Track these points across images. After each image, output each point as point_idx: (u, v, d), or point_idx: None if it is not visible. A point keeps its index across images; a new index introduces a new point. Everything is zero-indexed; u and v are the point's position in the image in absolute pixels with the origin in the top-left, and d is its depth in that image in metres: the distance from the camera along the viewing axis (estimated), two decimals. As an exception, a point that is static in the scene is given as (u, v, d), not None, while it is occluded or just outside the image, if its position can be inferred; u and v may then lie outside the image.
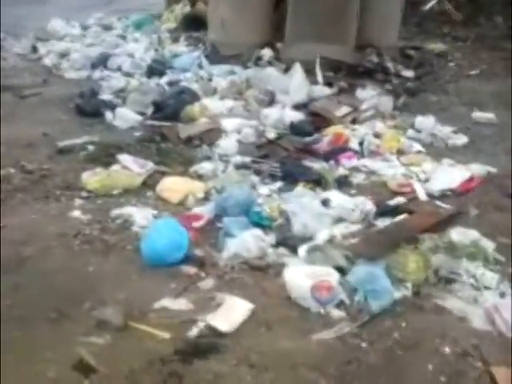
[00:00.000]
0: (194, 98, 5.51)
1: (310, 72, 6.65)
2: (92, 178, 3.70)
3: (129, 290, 2.61)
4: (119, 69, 7.15)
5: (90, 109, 5.31)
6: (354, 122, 5.33)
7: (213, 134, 4.57)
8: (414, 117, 5.23)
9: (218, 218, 3.25)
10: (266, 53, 7.49)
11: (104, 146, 4.33)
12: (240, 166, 3.99)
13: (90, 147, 4.41)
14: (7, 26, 9.01)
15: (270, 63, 7.25)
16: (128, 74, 7.01)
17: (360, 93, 6.49)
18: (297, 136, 4.75)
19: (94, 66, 7.15)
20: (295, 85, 5.90)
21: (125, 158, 3.99)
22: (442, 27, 10.54)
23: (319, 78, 6.70)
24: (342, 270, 2.60)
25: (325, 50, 7.01)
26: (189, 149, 4.43)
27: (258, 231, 2.98)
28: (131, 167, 3.87)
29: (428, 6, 11.06)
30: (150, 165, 3.91)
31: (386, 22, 7.93)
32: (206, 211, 3.28)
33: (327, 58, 7.03)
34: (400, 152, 4.44)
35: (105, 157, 4.15)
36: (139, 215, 3.24)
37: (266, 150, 4.38)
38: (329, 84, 6.59)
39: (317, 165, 4.14)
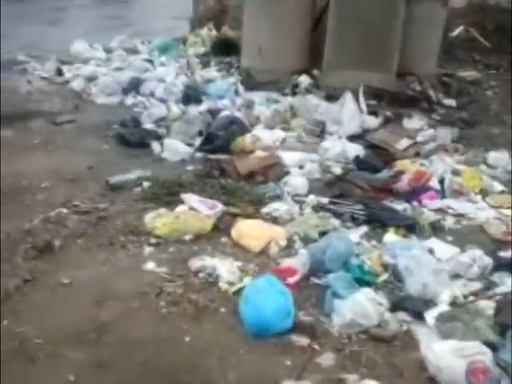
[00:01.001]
0: (243, 128, 5.14)
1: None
2: (158, 221, 3.30)
3: (239, 367, 2.19)
4: (152, 94, 6.81)
5: (135, 139, 4.92)
6: (417, 155, 4.98)
7: (275, 170, 4.19)
8: (482, 151, 4.88)
9: (312, 271, 2.85)
10: (304, 80, 7.16)
11: (161, 183, 3.93)
12: (317, 208, 3.59)
13: (145, 183, 4.01)
14: (27, 49, 8.70)
15: (308, 91, 6.93)
16: (162, 100, 6.66)
17: (407, 123, 6.16)
18: (364, 171, 4.37)
19: (125, 92, 6.78)
20: (348, 115, 5.56)
21: (190, 198, 3.58)
22: (471, 54, 10.32)
23: (363, 106, 6.35)
24: (491, 345, 2.19)
25: (366, 77, 6.69)
26: (251, 186, 4.03)
27: (370, 292, 2.58)
28: (199, 208, 3.47)
29: (456, 33, 10.87)
30: (220, 206, 3.51)
31: (426, 50, 7.65)
32: (298, 264, 2.87)
33: (369, 85, 6.71)
34: (483, 191, 4.07)
35: (165, 195, 3.75)
36: (223, 268, 2.84)
37: (337, 188, 4.00)
38: (373, 113, 6.25)
39: (399, 206, 3.76)
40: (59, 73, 7.75)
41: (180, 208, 3.52)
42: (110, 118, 5.79)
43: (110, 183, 3.99)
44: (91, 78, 7.37)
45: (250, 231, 3.24)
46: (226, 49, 8.30)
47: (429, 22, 7.50)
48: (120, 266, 2.93)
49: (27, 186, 3.96)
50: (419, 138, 5.39)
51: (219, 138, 4.91)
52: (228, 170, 4.19)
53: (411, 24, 7.01)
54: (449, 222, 3.63)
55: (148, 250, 3.12)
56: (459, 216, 3.72)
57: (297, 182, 3.93)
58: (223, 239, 3.28)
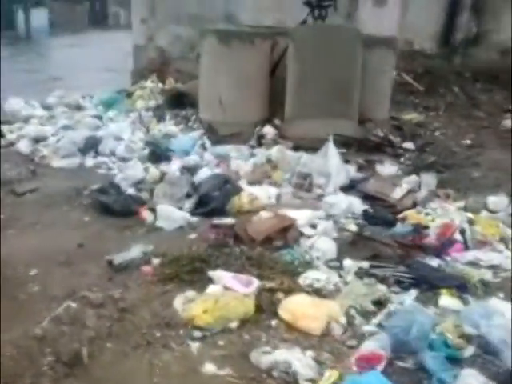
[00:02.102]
0: (236, 187, 4.82)
1: (318, 149, 6.26)
2: (195, 308, 2.85)
3: None
4: (113, 154, 6.33)
5: (119, 207, 4.41)
6: (414, 205, 4.89)
7: (292, 232, 3.88)
8: (478, 196, 4.89)
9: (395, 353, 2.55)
10: (268, 131, 7.02)
11: (174, 259, 3.47)
12: (360, 274, 3.32)
13: (154, 260, 3.53)
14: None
15: (275, 141, 6.78)
16: (124, 160, 6.19)
17: (381, 169, 6.16)
18: (376, 226, 4.18)
19: (82, 152, 6.24)
20: (335, 167, 5.41)
21: (221, 275, 3.17)
22: (408, 97, 10.78)
23: (332, 155, 6.25)
24: None
25: (330, 125, 6.63)
26: (271, 252, 3.68)
27: (475, 373, 2.31)
28: (234, 287, 3.07)
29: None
30: (255, 281, 3.13)
31: (380, 96, 7.82)
32: (379, 347, 2.55)
33: (336, 134, 6.67)
34: (503, 239, 4.01)
35: (185, 274, 3.30)
36: (298, 363, 2.45)
37: (362, 247, 3.76)
38: (346, 161, 6.19)
39: (432, 262, 3.58)
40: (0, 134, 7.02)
41: (212, 288, 3.10)
42: (75, 183, 5.23)
43: (113, 264, 3.47)
44: (38, 139, 6.75)
45: (302, 310, 2.88)
46: (180, 102, 7.98)
47: (381, 68, 7.69)
48: (174, 373, 2.45)
49: (14, 277, 3.34)
50: (404, 185, 5.33)
51: (214, 200, 4.55)
52: (242, 236, 3.81)
53: (364, 71, 7.13)
54: (487, 275, 3.50)
55: (195, 346, 2.66)
56: (493, 268, 3.61)
57: (325, 245, 3.63)
58: (273, 322, 2.89)
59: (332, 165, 5.39)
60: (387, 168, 6.25)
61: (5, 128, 7.14)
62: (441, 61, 11.52)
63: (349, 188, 5.21)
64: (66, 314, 2.89)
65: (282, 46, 7.29)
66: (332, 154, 5.53)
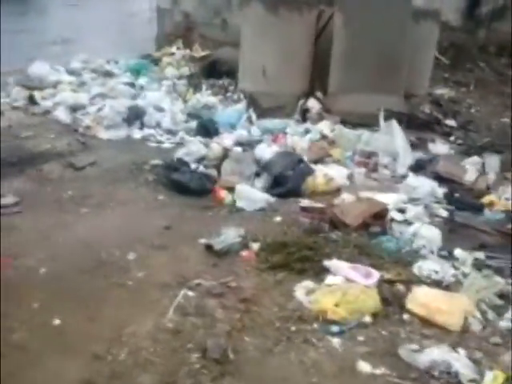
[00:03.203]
0: (309, 167, 4.64)
1: (369, 126, 6.10)
2: (324, 301, 2.72)
3: None
4: (158, 125, 6.08)
5: (195, 186, 4.22)
6: (488, 188, 4.79)
7: (386, 217, 3.74)
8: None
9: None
10: (313, 104, 6.80)
11: (275, 245, 3.31)
12: (478, 265, 3.21)
13: (253, 245, 3.38)
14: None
15: (320, 116, 6.58)
16: (170, 132, 5.97)
17: (433, 148, 6.05)
18: (464, 212, 4.07)
19: (127, 123, 5.97)
20: (402, 146, 5.26)
21: (339, 266, 3.03)
22: (435, 72, 10.59)
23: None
24: None
25: (378, 100, 6.45)
26: (370, 239, 3.55)
27: None
28: (355, 279, 2.93)
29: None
30: (375, 273, 3.00)
31: (423, 71, 7.64)
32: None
33: (386, 109, 6.48)
34: None
35: (294, 262, 3.15)
36: (458, 363, 2.34)
37: (464, 235, 3.65)
38: (397, 139, 6.03)
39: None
40: (32, 101, 6.68)
41: (331, 279, 2.96)
42: (131, 157, 5.02)
43: (214, 249, 3.30)
44: (76, 107, 6.44)
45: (436, 304, 2.77)
46: (215, 70, 7.68)
47: (426, 42, 7.49)
48: (328, 372, 2.33)
49: (112, 261, 3.16)
50: (467, 167, 5.22)
51: (289, 180, 4.38)
52: (336, 221, 3.66)
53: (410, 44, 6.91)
54: None
55: (336, 341, 2.54)
56: None
57: (429, 232, 3.50)
58: (404, 316, 2.78)
59: (399, 144, 5.23)
60: (439, 147, 6.14)
61: (36, 94, 6.79)
62: (465, 34, 11.28)
63: (416, 168, 5.08)
64: (188, 304, 2.73)
65: (326, 16, 7.03)
66: (397, 132, 5.36)
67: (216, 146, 5.02)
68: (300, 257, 3.17)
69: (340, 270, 3.01)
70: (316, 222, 3.63)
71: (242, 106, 6.59)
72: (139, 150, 5.31)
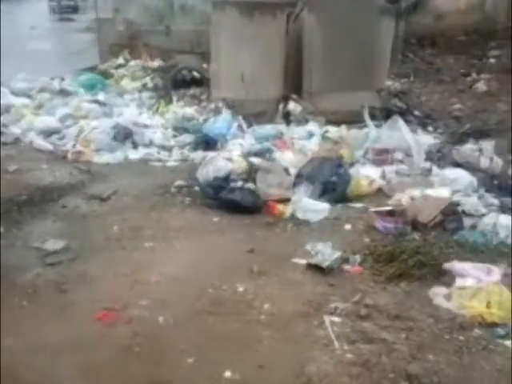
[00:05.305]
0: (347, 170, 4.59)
1: (355, 123, 6.23)
2: (476, 305, 2.69)
3: None
4: (151, 143, 5.70)
5: (250, 203, 3.99)
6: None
7: (457, 212, 3.80)
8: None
9: None
10: (294, 107, 6.78)
11: (384, 255, 3.22)
12: None
13: (356, 258, 3.26)
14: None
15: (304, 118, 6.58)
16: (165, 148, 5.63)
17: (418, 138, 6.26)
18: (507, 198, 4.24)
19: (118, 143, 5.52)
20: (413, 139, 5.38)
21: (459, 266, 3.02)
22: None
23: (371, 128, 6.24)
24: None
25: (356, 97, 6.60)
26: (449, 235, 3.58)
27: None
28: (482, 277, 2.94)
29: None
30: (495, 269, 3.02)
31: (383, 65, 7.90)
32: None
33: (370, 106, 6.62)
34: None
35: (412, 269, 3.08)
36: None
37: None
38: (385, 133, 6.19)
39: None
40: (-7, 129, 5.95)
41: (461, 281, 2.93)
42: (147, 180, 4.69)
43: (322, 267, 3.13)
44: (47, 132, 5.84)
45: None
46: (183, 80, 7.37)
47: (385, 37, 7.73)
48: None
49: (224, 296, 2.88)
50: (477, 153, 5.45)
51: (336, 185, 4.30)
52: (414, 222, 3.65)
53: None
54: None
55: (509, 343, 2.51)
56: None
57: (509, 222, 3.59)
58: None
59: (409, 139, 5.34)
60: (423, 137, 6.34)
61: (-7, 121, 6.07)
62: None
63: (429, 159, 5.22)
64: (344, 330, 2.56)
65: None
66: (404, 127, 5.47)
67: (241, 160, 4.79)
68: (414, 264, 3.10)
69: (464, 270, 3.00)
70: (401, 225, 3.59)
71: (227, 115, 6.36)
72: (150, 172, 4.96)
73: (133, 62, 8.48)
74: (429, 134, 6.55)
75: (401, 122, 5.56)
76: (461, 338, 2.54)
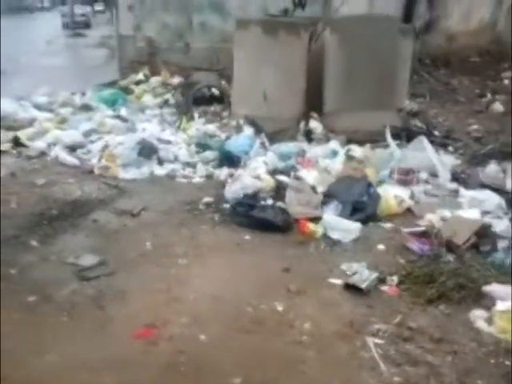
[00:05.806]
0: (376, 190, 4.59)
1: (376, 142, 6.24)
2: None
3: None
4: (176, 159, 5.72)
5: (282, 222, 3.98)
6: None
7: (490, 234, 3.78)
8: None
9: None
10: (315, 126, 6.81)
11: (423, 276, 3.20)
12: None
13: (391, 279, 3.24)
14: None
15: (326, 137, 6.61)
16: (189, 165, 5.64)
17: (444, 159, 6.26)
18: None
19: (145, 159, 5.54)
20: (438, 160, 5.39)
21: (498, 289, 3.00)
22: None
23: (394, 147, 6.24)
24: None
25: (380, 117, 6.62)
26: (482, 257, 3.56)
27: None
28: (522, 301, 2.91)
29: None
30: (535, 292, 3.00)
31: (403, 85, 7.94)
32: None
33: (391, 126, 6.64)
34: None
35: (451, 291, 3.06)
36: None
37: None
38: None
39: None
40: (17, 142, 6.00)
41: (501, 305, 2.91)
42: (175, 197, 4.69)
43: (360, 288, 3.12)
44: (73, 146, 5.88)
45: None
46: (205, 97, 7.43)
47: (404, 57, 7.77)
48: None
49: (263, 315, 2.86)
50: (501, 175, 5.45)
51: (366, 205, 4.29)
52: (448, 243, 3.63)
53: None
54: None
55: None
56: None
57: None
58: None
59: (435, 159, 5.34)
60: (445, 157, 6.34)
61: (19, 134, 6.12)
62: (403, 48, 11.87)
63: (455, 180, 5.21)
64: (388, 353, 2.54)
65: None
66: (429, 147, 5.48)
67: (268, 178, 4.80)
68: (454, 285, 3.08)
69: (504, 293, 2.97)
70: (436, 246, 3.57)
71: (249, 132, 6.39)
72: (176, 188, 4.95)
73: (153, 79, 8.55)
74: (450, 155, 6.54)
75: (425, 142, 5.58)
76: (507, 362, 2.52)
